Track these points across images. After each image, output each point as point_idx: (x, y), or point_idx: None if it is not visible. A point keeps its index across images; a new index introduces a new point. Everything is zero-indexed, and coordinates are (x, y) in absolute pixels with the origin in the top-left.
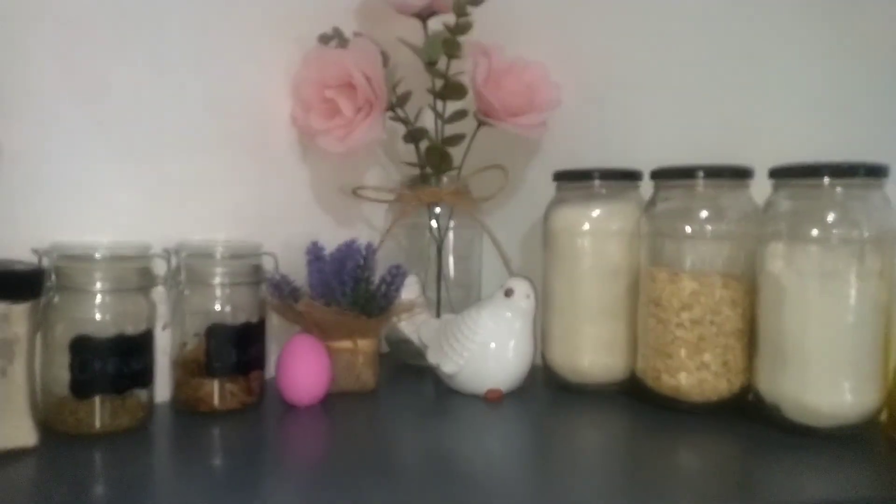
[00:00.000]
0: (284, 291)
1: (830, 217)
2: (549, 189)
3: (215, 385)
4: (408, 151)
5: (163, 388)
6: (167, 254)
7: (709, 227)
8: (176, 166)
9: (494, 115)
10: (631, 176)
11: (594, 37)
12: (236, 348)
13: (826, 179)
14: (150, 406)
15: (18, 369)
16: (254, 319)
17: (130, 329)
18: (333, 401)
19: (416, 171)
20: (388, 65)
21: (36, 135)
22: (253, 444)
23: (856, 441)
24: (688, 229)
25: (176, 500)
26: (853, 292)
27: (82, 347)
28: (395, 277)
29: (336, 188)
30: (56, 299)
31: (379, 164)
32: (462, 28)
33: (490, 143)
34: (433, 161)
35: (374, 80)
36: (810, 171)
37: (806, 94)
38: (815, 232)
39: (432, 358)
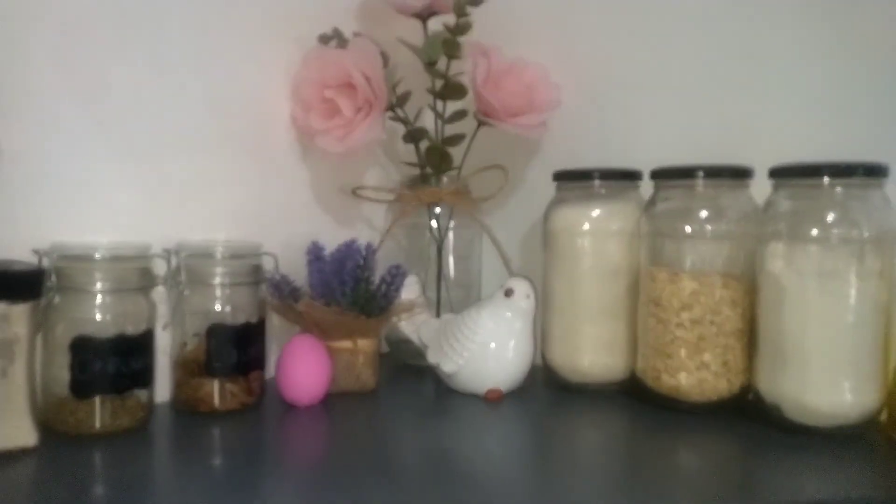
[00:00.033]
0: (284, 291)
1: (830, 217)
2: (548, 189)
3: (215, 385)
4: (407, 151)
5: (163, 388)
6: (167, 254)
7: (709, 227)
8: (176, 166)
9: (494, 116)
10: (631, 176)
11: (594, 37)
12: (236, 348)
13: (826, 179)
14: (150, 406)
15: (19, 369)
16: (254, 319)
17: (130, 329)
18: (333, 401)
19: (416, 171)
20: (388, 65)
21: (36, 135)
22: (253, 444)
23: (856, 441)
24: (688, 229)
25: (176, 501)
26: (853, 292)
27: (82, 347)
28: (395, 277)
29: (336, 188)
30: (56, 299)
31: (379, 164)
32: (462, 28)
33: (490, 144)
34: (433, 161)
35: (373, 80)
36: (810, 171)
37: (806, 94)
38: (814, 232)
39: (432, 358)
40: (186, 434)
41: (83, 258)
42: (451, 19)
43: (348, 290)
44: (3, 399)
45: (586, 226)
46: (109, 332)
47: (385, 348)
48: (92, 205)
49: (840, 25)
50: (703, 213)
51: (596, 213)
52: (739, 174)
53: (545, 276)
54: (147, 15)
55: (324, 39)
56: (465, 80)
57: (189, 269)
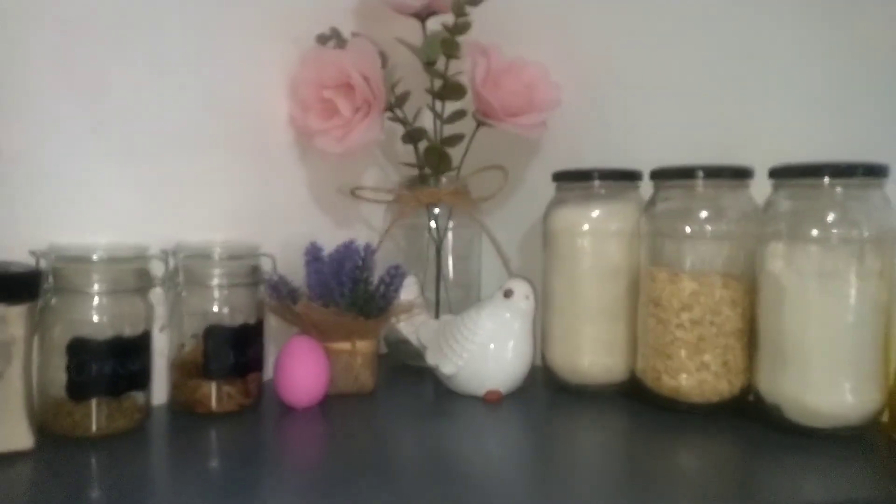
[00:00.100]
0: (283, 292)
1: (830, 217)
2: (548, 189)
3: (213, 387)
4: (406, 152)
5: (160, 389)
6: (165, 255)
7: (708, 227)
8: (174, 167)
9: (493, 116)
10: (631, 176)
11: (594, 37)
12: (234, 350)
13: (826, 179)
14: (147, 408)
15: (15, 371)
16: (252, 321)
17: (128, 331)
18: (332, 402)
19: (415, 172)
20: (387, 65)
21: (35, 135)
22: (251, 446)
23: (856, 442)
24: (687, 229)
25: (173, 503)
26: (853, 292)
27: (79, 349)
28: (394, 278)
29: (334, 189)
30: (53, 301)
31: (377, 164)
32: (461, 28)
33: (489, 144)
34: (432, 161)
35: (372, 80)
36: (810, 171)
37: (806, 94)
38: (814, 232)
39: (431, 359)
40: (184, 436)
41: (80, 259)
42: (449, 19)
43: (347, 290)
44: (0, 401)
45: (586, 226)
46: (106, 333)
47: (384, 349)
48: (90, 205)
49: (840, 25)
50: (703, 214)
51: (596, 213)
52: (739, 174)
53: (545, 276)
54: (146, 15)
55: (322, 39)
56: (464, 79)
57: (187, 270)
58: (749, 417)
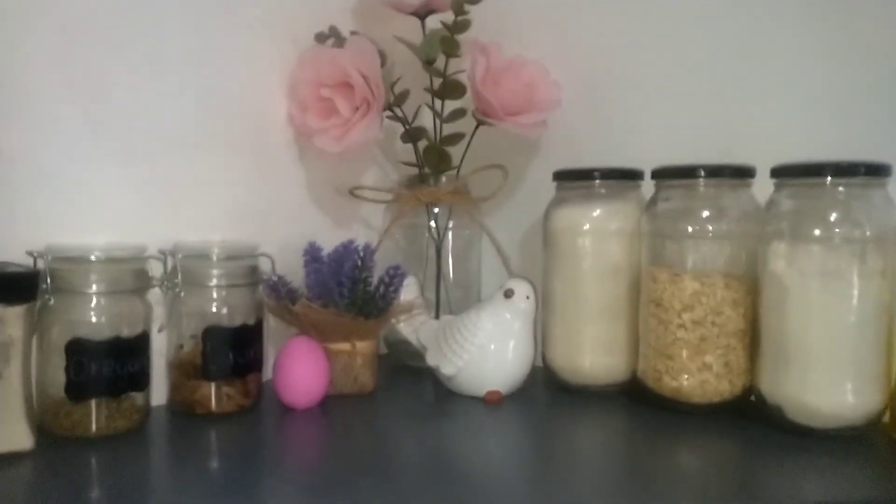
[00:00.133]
0: (281, 293)
1: (832, 216)
2: (548, 189)
3: (212, 388)
4: (406, 151)
5: (159, 390)
6: (163, 255)
7: (710, 227)
8: (172, 167)
9: (493, 115)
10: (631, 175)
11: (594, 35)
12: (233, 350)
13: (828, 179)
14: (146, 409)
15: (14, 372)
16: (251, 321)
17: (126, 331)
18: (331, 403)
19: (415, 171)
20: (386, 64)
21: (33, 136)
22: (250, 447)
23: (858, 442)
24: (689, 229)
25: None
26: (855, 292)
27: (78, 350)
28: (394, 278)
29: (333, 188)
30: (51, 301)
31: (377, 163)
32: (460, 26)
33: (489, 143)
34: (431, 161)
35: (371, 79)
36: (812, 171)
37: (807, 93)
38: (817, 231)
39: (431, 359)
40: (183, 437)
41: (78, 260)
42: (449, 17)
43: (346, 291)
44: None
45: (587, 226)
46: (105, 334)
47: (383, 350)
48: (88, 206)
49: (841, 25)
50: (705, 213)
51: (596, 212)
52: (741, 173)
53: (545, 276)
54: (146, 16)
55: (321, 38)
56: (464, 78)
57: (185, 270)
58: (750, 418)
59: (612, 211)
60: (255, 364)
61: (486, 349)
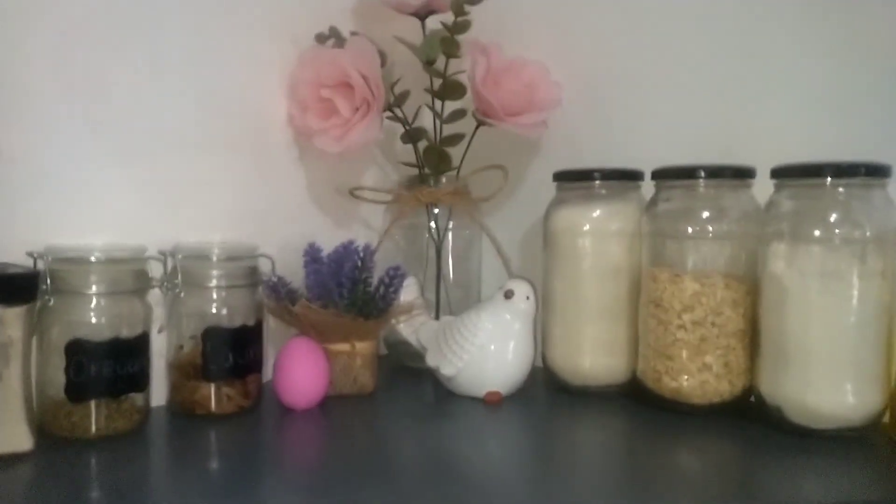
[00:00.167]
0: (281, 293)
1: (832, 217)
2: (549, 189)
3: (212, 388)
4: (406, 151)
5: (159, 391)
6: (163, 256)
7: (710, 228)
8: (172, 167)
9: (493, 115)
10: (632, 176)
11: (594, 36)
12: (233, 351)
13: (828, 179)
14: (146, 409)
15: (14, 373)
16: (250, 322)
17: (126, 332)
18: (331, 404)
19: (415, 172)
20: (386, 64)
21: (33, 136)
22: (250, 447)
23: (858, 443)
24: (689, 229)
25: None
26: (855, 293)
27: (77, 351)
28: (394, 279)
29: (333, 189)
30: (51, 302)
31: (376, 164)
32: (460, 27)
33: (489, 143)
34: (431, 161)
35: (371, 79)
36: (812, 171)
37: (807, 94)
38: (817, 232)
39: (431, 360)
40: (183, 437)
41: (78, 260)
42: (449, 18)
43: (346, 291)
44: None
45: (587, 226)
46: (105, 334)
47: (383, 350)
48: (88, 206)
49: (841, 25)
50: (705, 214)
51: (597, 213)
52: (741, 174)
53: (545, 276)
54: (145, 16)
55: (321, 39)
56: (464, 78)
57: (185, 271)
58: (750, 418)
59: (613, 211)
60: (255, 365)
61: (486, 350)
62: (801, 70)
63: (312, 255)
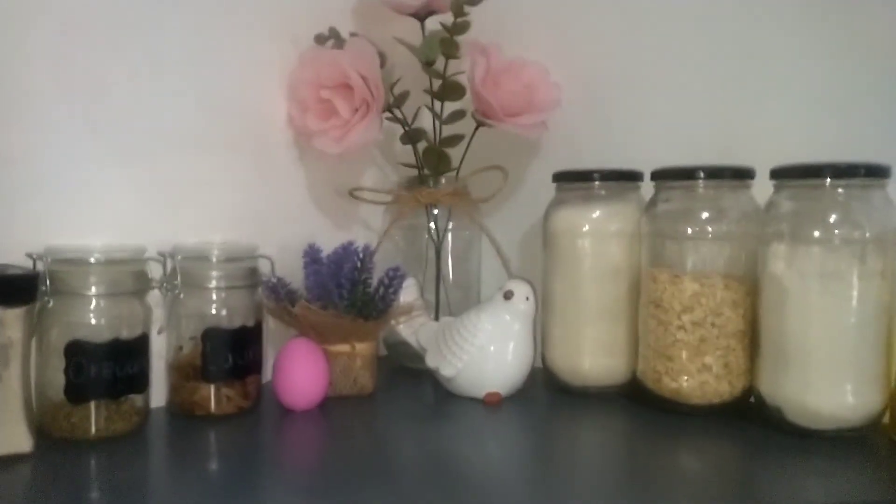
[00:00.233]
0: (281, 294)
1: (832, 218)
2: (548, 190)
3: (211, 389)
4: (405, 152)
5: (158, 392)
6: (162, 257)
7: (710, 228)
8: (172, 168)
9: (493, 116)
10: (631, 177)
11: (594, 36)
12: (232, 352)
13: (827, 180)
14: (145, 410)
15: (13, 374)
16: (250, 323)
17: (126, 333)
18: (331, 405)
19: (414, 172)
20: (386, 65)
21: (32, 137)
22: (250, 448)
23: (858, 444)
24: (689, 230)
25: None
26: (855, 293)
27: (77, 352)
28: (394, 280)
29: (333, 189)
30: (51, 303)
31: (376, 165)
32: (460, 28)
33: (489, 144)
34: (431, 162)
35: (370, 80)
36: (811, 172)
37: (807, 94)
38: (816, 233)
39: (431, 361)
40: (182, 439)
41: (78, 262)
42: (448, 18)
43: (346, 292)
44: None
45: (586, 227)
46: (104, 336)
47: (383, 351)
48: (87, 207)
49: (841, 25)
50: (705, 214)
51: (596, 214)
52: (740, 175)
53: (545, 277)
54: (145, 16)
55: (320, 39)
56: (464, 79)
57: (184, 272)
58: (750, 419)
59: (612, 212)
60: (255, 366)
61: (486, 351)
62: (801, 70)
63: (312, 256)
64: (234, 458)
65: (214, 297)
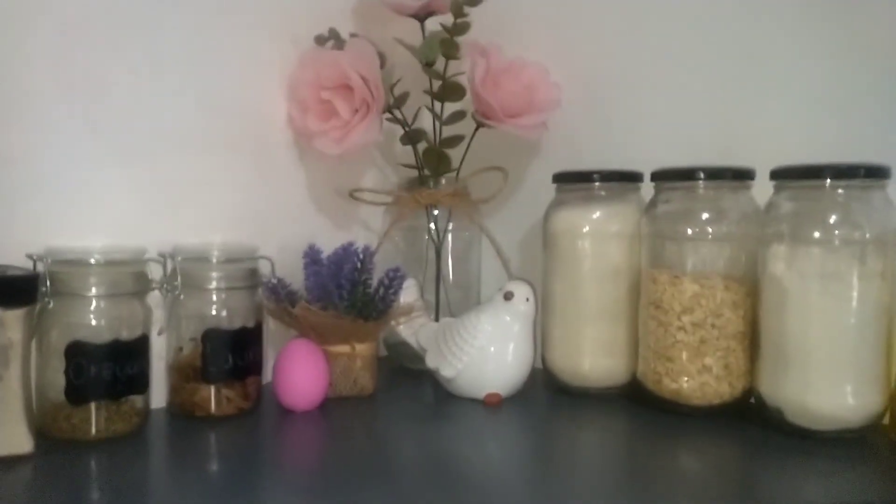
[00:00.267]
0: (281, 295)
1: (832, 218)
2: (548, 190)
3: (212, 390)
4: (405, 153)
5: (159, 393)
6: (163, 258)
7: (710, 229)
8: (172, 168)
9: (493, 117)
10: (631, 177)
11: (594, 37)
12: (233, 353)
13: (827, 181)
14: (145, 411)
15: (14, 375)
16: (250, 324)
17: (126, 334)
18: (331, 406)
19: (414, 173)
20: (386, 66)
21: (32, 137)
22: (250, 449)
23: (858, 444)
24: (689, 231)
25: None
26: (855, 294)
27: (77, 353)
28: (394, 280)
29: (333, 190)
30: (51, 304)
31: (376, 165)
32: (460, 28)
33: (489, 145)
34: (431, 163)
35: (370, 81)
36: (811, 173)
37: (807, 95)
38: (816, 233)
39: (431, 362)
40: (183, 439)
41: (78, 263)
42: (448, 19)
43: (346, 293)
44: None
45: (586, 227)
46: (104, 337)
47: (383, 352)
48: (87, 208)
49: (841, 25)
50: (705, 215)
51: (596, 214)
52: (740, 176)
53: (545, 278)
54: (145, 16)
55: (320, 40)
56: (464, 80)
57: (185, 272)
58: (750, 420)
59: (612, 213)
60: (255, 367)
61: (486, 351)
62: (801, 71)
63: (312, 257)
64: (235, 458)
65: (214, 297)
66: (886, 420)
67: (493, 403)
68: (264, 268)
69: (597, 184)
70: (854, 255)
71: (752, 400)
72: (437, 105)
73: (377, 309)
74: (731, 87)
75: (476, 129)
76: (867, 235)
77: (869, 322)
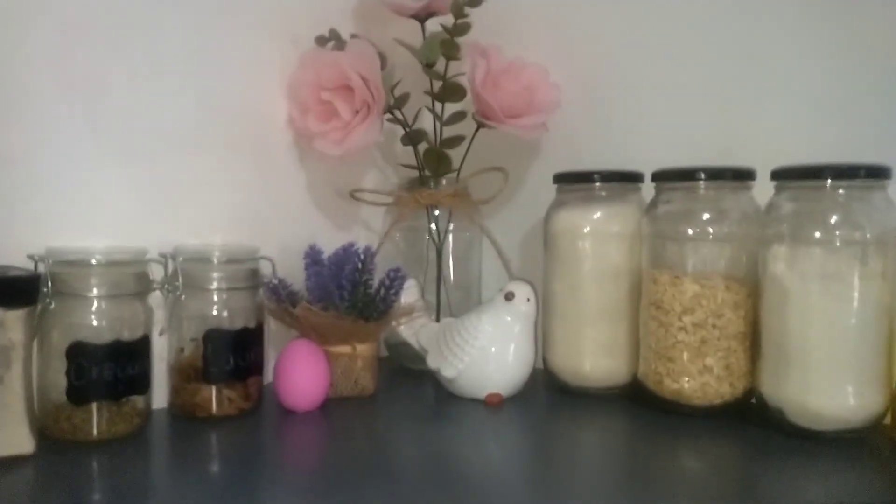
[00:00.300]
0: (282, 296)
1: (833, 219)
2: (549, 191)
3: (213, 391)
4: (406, 153)
5: (160, 393)
6: (164, 258)
7: (710, 230)
8: (172, 169)
9: (493, 117)
10: (632, 178)
11: (594, 37)
12: (234, 353)
13: (828, 181)
14: (147, 412)
15: (15, 376)
16: (251, 324)
17: (127, 335)
18: (332, 406)
19: (415, 174)
20: (386, 66)
21: (33, 137)
22: (251, 450)
23: (859, 445)
24: (689, 231)
25: None
26: (856, 294)
27: (79, 353)
28: (395, 281)
29: (334, 191)
30: (52, 305)
31: (377, 166)
32: (460, 29)
33: (489, 145)
34: (431, 163)
35: (371, 81)
36: (812, 173)
37: (807, 95)
38: (817, 234)
39: (432, 362)
40: (184, 440)
41: (79, 263)
42: (449, 20)
43: (346, 294)
44: (1, 406)
45: (587, 228)
46: (106, 337)
47: (384, 352)
48: (88, 208)
49: (841, 25)
50: (705, 216)
51: (597, 215)
52: (741, 176)
53: (546, 278)
54: (145, 16)
55: (321, 41)
56: (464, 81)
57: (186, 273)
58: (751, 420)
59: (613, 213)
60: (256, 367)
61: (487, 352)
62: (801, 71)
63: (313, 258)
64: (236, 459)
65: (216, 298)
66: (887, 420)
67: (493, 404)
68: (265, 268)
69: (597, 184)
70: (855, 255)
71: (753, 400)
72: (438, 106)
73: (378, 309)
74: (731, 87)
75: (476, 130)
76: (868, 236)
77: (870, 322)
